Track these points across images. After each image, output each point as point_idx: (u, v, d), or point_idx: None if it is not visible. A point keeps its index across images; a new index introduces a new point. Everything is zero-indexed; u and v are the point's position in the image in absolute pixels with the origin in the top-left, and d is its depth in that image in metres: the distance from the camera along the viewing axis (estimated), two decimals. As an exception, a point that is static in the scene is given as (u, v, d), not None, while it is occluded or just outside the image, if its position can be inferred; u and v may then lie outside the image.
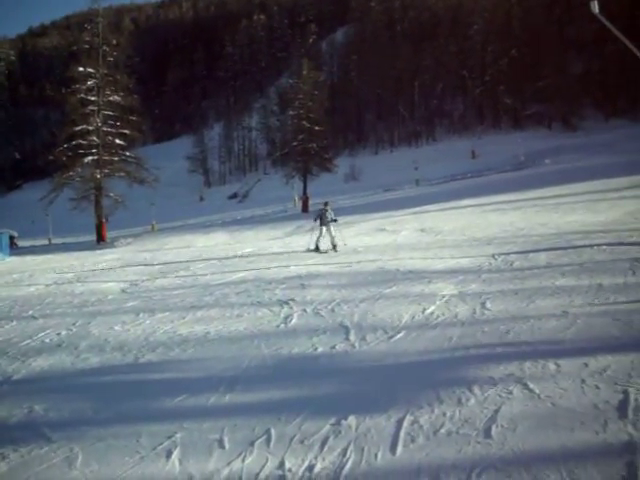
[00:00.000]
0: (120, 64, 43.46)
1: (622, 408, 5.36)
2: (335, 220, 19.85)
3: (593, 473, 4.28)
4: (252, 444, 5.30)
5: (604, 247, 13.62)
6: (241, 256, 19.74)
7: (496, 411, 5.42)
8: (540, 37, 78.26)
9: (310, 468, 4.76)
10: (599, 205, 23.41)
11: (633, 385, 5.80)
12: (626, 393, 5.64)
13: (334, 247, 18.96)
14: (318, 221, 19.99)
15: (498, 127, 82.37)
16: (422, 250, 16.21)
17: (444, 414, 5.51)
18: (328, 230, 19.56)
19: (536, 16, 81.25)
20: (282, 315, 10.00)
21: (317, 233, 19.83)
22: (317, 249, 19.01)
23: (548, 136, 71.03)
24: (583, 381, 6.01)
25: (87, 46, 40.34)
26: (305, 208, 45.28)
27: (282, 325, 9.40)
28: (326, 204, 20.63)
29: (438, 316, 9.00)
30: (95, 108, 38.87)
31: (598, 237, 15.21)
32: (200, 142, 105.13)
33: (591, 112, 75.62)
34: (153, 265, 19.26)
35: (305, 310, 10.20)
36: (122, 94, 40.06)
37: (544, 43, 77.01)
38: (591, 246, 13.86)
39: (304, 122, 52.47)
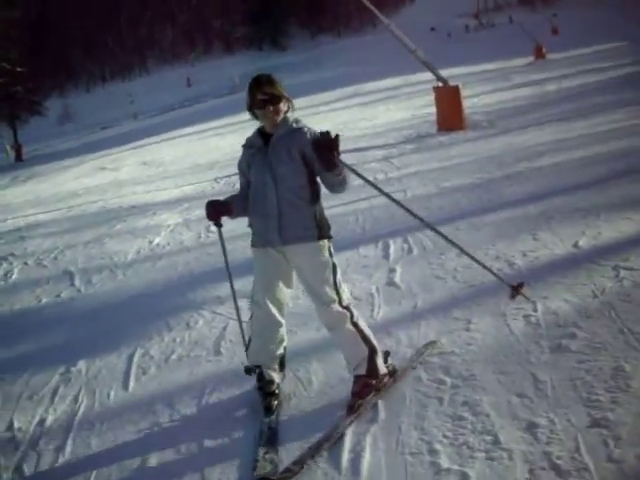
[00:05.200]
0: None
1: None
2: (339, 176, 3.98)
3: (316, 366, 4.51)
4: (-24, 412, 4.94)
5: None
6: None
7: (224, 328, 5.52)
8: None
9: (41, 422, 4.53)
10: (312, 119, 24.18)
11: (348, 280, 6.14)
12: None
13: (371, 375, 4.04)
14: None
15: (210, 52, 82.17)
16: (145, 184, 15.86)
17: (174, 340, 5.51)
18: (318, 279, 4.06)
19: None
20: (1, 272, 9.31)
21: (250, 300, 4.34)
22: (266, 382, 4.22)
23: (260, 57, 72.33)
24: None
25: None
26: (19, 157, 42.40)
27: (1, 282, 8.77)
28: (295, 124, 4.06)
29: (164, 246, 8.93)
30: None
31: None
32: None
33: (297, 31, 77.92)
34: None
35: (26, 263, 9.60)
36: None
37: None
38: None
39: (4, 64, 48.54)
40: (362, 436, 3.67)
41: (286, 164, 3.96)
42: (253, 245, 4.18)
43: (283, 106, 4.03)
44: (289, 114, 4.09)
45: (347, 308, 4.06)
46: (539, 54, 32.12)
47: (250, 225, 4.17)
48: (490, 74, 27.64)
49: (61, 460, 4.04)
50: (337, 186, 4.00)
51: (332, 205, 9.30)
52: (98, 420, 4.40)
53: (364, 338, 4.05)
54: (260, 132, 4.13)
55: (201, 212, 10.41)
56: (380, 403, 3.97)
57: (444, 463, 3.31)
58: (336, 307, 4.03)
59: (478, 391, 3.89)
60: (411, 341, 4.70)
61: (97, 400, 4.72)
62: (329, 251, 4.08)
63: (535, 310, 4.86)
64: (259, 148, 4.08)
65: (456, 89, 14.96)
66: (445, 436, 3.54)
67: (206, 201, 4.13)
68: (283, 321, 4.21)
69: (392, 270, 6.30)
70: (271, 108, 3.96)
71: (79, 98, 78.41)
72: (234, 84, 57.93)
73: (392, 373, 4.21)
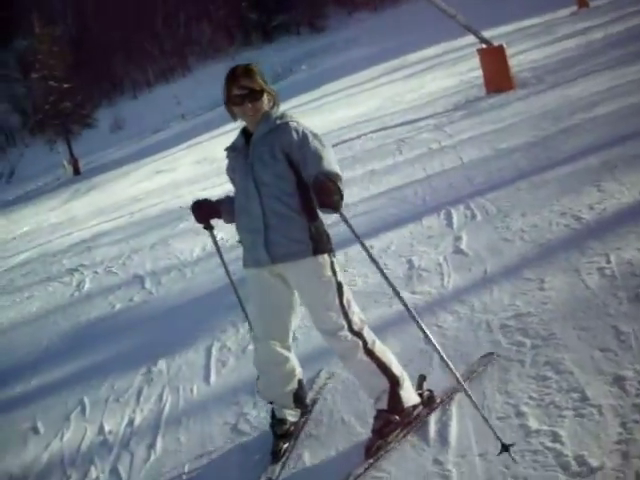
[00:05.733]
0: None
1: (408, 276, 5.69)
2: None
3: (392, 341, 4.51)
4: (67, 419, 5.11)
5: (370, 135, 14.17)
6: (20, 236, 18.62)
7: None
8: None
9: (130, 423, 4.67)
10: (359, 97, 24.22)
11: (415, 253, 6.16)
12: (410, 262, 5.99)
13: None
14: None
15: (249, 44, 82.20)
16: (201, 182, 16.01)
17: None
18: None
19: None
20: (74, 283, 9.58)
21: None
22: (277, 422, 3.74)
23: (299, 42, 71.98)
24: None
25: None
26: (77, 170, 43.32)
27: (76, 293, 9.02)
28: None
29: (228, 240, 8.95)
30: None
31: (364, 127, 15.77)
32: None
33: (333, 10, 77.30)
34: None
35: (96, 272, 9.84)
36: None
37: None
38: (359, 137, 14.37)
39: (51, 82, 49.60)
40: (447, 405, 3.66)
41: (269, 167, 3.38)
42: (244, 265, 3.64)
43: (265, 102, 3.47)
44: (274, 110, 3.52)
45: (358, 334, 3.46)
46: (582, 2, 31.21)
47: (239, 241, 3.68)
48: (533, 29, 27.03)
49: (153, 458, 4.16)
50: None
51: (389, 181, 9.31)
52: (184, 416, 4.50)
53: (382, 367, 3.49)
54: (244, 132, 3.58)
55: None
56: (462, 370, 3.93)
57: (533, 424, 3.28)
58: (344, 334, 3.43)
59: (559, 349, 3.83)
60: (485, 307, 4.65)
61: (181, 397, 4.81)
62: (332, 268, 3.46)
63: (609, 262, 4.76)
64: (241, 150, 3.54)
65: (501, 49, 14.67)
66: (531, 397, 3.50)
67: (192, 201, 3.75)
68: (289, 354, 3.72)
69: (458, 238, 6.23)
70: (249, 105, 3.41)
71: (127, 105, 79.35)
72: (277, 73, 57.98)
73: (427, 402, 3.66)
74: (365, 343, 3.47)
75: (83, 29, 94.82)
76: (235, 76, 3.42)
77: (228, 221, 3.78)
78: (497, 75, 14.39)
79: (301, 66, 54.38)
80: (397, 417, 3.48)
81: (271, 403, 3.81)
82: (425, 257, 5.99)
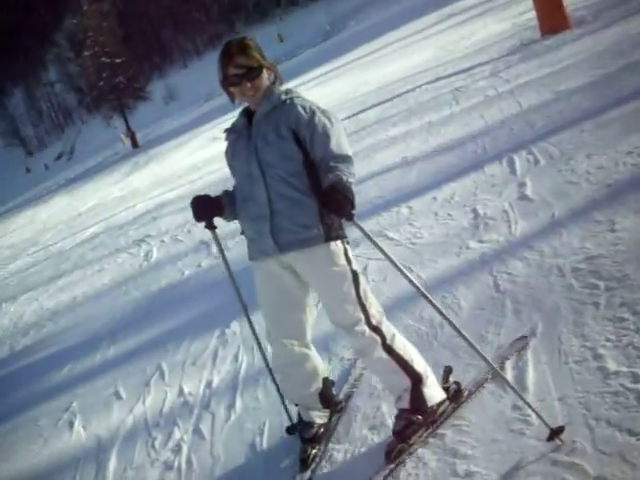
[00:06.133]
0: None
1: (474, 225, 5.64)
2: None
3: (463, 290, 4.50)
4: (147, 384, 5.27)
5: (425, 87, 13.97)
6: (86, 211, 19.08)
7: (365, 268, 5.53)
8: None
9: (208, 385, 4.79)
10: (411, 49, 23.86)
11: (479, 202, 6.10)
12: (475, 211, 5.93)
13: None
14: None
15: (295, 4, 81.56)
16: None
17: (317, 289, 5.61)
18: None
19: None
20: (142, 254, 9.82)
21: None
22: (305, 425, 3.55)
23: (346, -1, 71.21)
24: (436, 214, 6.27)
25: None
26: (134, 143, 43.94)
27: (145, 263, 9.25)
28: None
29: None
30: None
31: (418, 79, 15.56)
32: (4, 113, 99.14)
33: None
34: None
35: (163, 241, 10.06)
36: None
37: None
38: (413, 89, 14.20)
39: (103, 59, 50.24)
40: (522, 352, 3.64)
41: (274, 146, 3.07)
42: (250, 258, 3.35)
43: (264, 78, 3.16)
44: (276, 85, 3.21)
45: (377, 329, 3.20)
46: None
47: (243, 232, 3.34)
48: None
49: (234, 417, 4.26)
50: None
51: (447, 131, 9.19)
52: (261, 375, 4.56)
53: (402, 364, 3.22)
54: (246, 111, 3.27)
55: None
56: (536, 316, 3.91)
57: (612, 366, 3.23)
58: (362, 329, 3.16)
59: (635, 290, 3.75)
60: (555, 251, 4.57)
61: (256, 356, 4.88)
62: (346, 256, 3.17)
63: (683, 199, 4.63)
64: (242, 131, 3.22)
65: (554, -13, 14.21)
66: (608, 339, 3.44)
67: (192, 197, 3.33)
68: (309, 351, 3.48)
69: (522, 184, 6.12)
70: (248, 84, 3.10)
71: (178, 75, 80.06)
72: (326, 30, 57.47)
73: (454, 397, 3.39)
74: (384, 339, 3.21)
75: (130, 3, 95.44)
76: (230, 54, 3.10)
77: (229, 218, 3.40)
78: (552, 15, 13.95)
79: (349, 22, 53.75)
80: (420, 417, 3.23)
81: (296, 405, 3.61)
82: (490, 205, 5.92)
